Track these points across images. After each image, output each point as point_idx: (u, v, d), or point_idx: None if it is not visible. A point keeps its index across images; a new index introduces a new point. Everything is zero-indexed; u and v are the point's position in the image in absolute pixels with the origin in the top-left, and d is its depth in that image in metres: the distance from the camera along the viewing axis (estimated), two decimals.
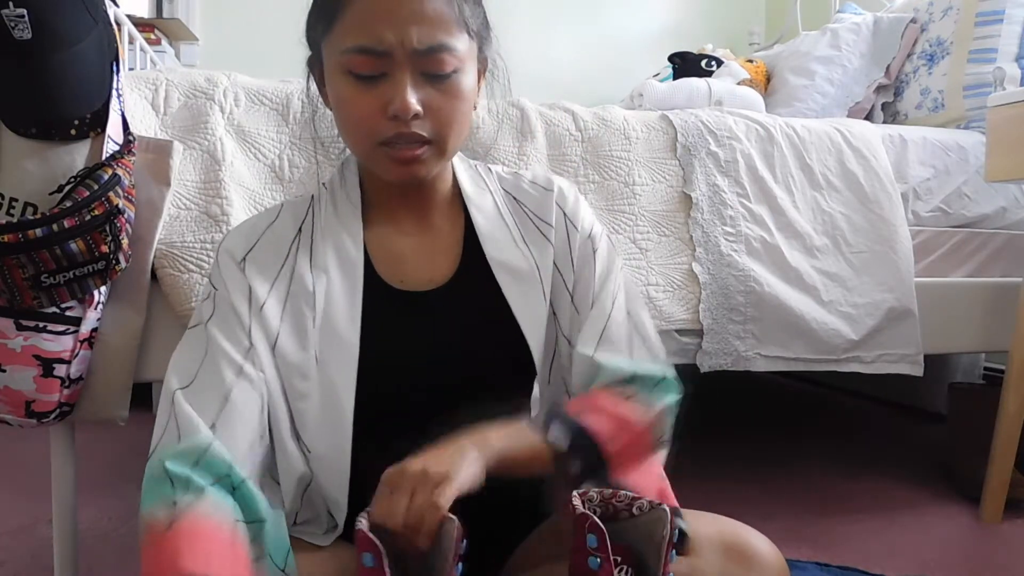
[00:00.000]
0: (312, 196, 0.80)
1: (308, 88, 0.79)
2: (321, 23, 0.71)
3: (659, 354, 0.81)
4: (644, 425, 0.72)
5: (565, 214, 0.81)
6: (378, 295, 0.73)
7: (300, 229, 0.76)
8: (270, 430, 0.70)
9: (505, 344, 0.75)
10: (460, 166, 0.82)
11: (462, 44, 0.69)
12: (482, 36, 0.74)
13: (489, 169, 0.85)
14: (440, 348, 0.73)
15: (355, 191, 0.78)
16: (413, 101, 0.66)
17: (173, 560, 0.56)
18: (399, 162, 0.69)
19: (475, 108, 0.75)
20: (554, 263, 0.79)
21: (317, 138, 0.90)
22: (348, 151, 0.80)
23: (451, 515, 0.56)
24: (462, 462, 0.59)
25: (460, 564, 0.57)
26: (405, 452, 0.68)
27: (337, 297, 0.72)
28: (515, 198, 0.82)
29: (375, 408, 0.70)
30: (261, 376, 0.69)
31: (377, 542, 0.52)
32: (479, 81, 0.76)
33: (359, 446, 0.70)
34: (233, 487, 0.63)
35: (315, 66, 0.76)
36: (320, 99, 0.79)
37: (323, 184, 0.81)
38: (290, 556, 0.65)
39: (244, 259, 0.72)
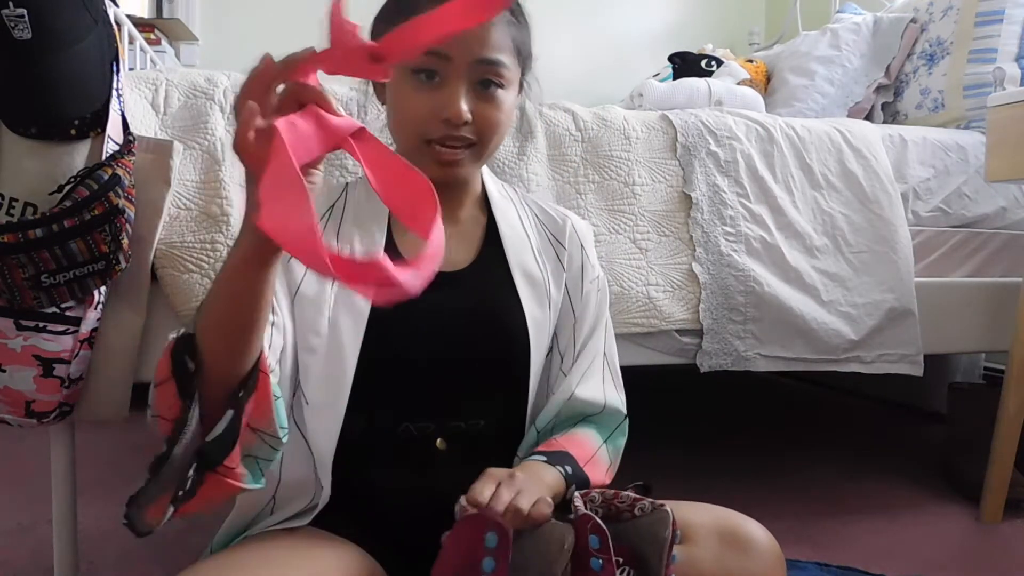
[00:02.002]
0: (346, 184, 0.87)
1: (368, 88, 0.87)
2: (393, 24, 0.76)
3: (621, 385, 0.92)
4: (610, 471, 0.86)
5: (583, 247, 0.91)
6: None
7: (332, 207, 0.82)
8: None
9: (509, 331, 0.82)
10: (488, 176, 0.91)
11: (512, 66, 0.78)
12: (526, 63, 0.83)
13: (513, 188, 0.95)
14: (454, 322, 0.79)
15: None
16: (465, 109, 0.74)
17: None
18: (441, 162, 0.77)
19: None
20: (566, 286, 0.88)
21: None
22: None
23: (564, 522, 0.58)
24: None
25: (569, 565, 0.58)
26: (396, 415, 0.76)
27: None
28: (537, 216, 0.91)
29: (374, 371, 0.75)
30: (281, 325, 0.72)
31: (505, 523, 0.53)
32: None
33: (352, 406, 0.75)
34: None
35: None
36: (376, 97, 0.86)
37: (360, 177, 0.88)
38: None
39: None
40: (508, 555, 0.54)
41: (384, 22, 0.81)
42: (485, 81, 0.76)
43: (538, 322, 0.83)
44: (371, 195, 0.83)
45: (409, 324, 0.77)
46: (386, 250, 0.79)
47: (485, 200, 0.89)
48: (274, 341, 0.70)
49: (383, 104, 0.85)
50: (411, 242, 0.82)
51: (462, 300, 0.81)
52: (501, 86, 0.77)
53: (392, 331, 0.76)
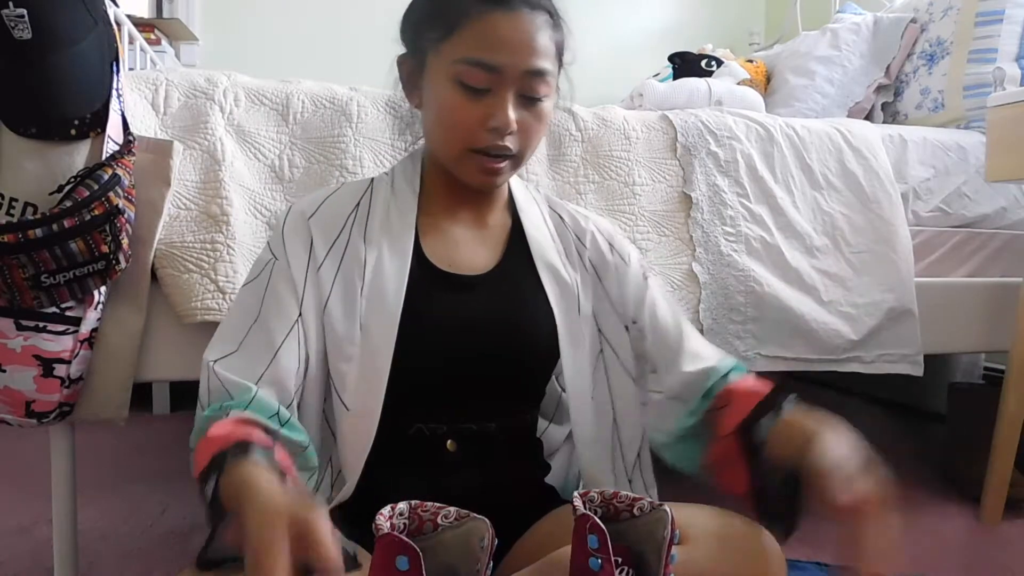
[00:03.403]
0: (372, 179, 0.86)
1: (400, 84, 0.85)
2: (436, 30, 0.76)
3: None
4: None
5: (613, 246, 0.90)
6: (425, 273, 0.79)
7: (358, 204, 0.82)
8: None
9: (532, 333, 0.81)
10: (514, 178, 0.90)
11: (554, 71, 0.78)
12: (562, 66, 0.82)
13: (536, 189, 0.95)
14: (478, 325, 0.79)
15: (415, 180, 0.84)
16: (513, 118, 0.74)
17: (232, 431, 0.63)
18: (484, 172, 0.77)
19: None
20: (603, 285, 0.87)
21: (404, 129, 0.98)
22: (418, 146, 0.88)
23: (480, 516, 0.56)
24: None
25: (491, 563, 0.57)
26: (410, 416, 0.77)
27: (386, 270, 0.78)
28: (562, 218, 0.90)
29: (409, 375, 0.76)
30: (305, 341, 0.76)
31: (413, 544, 0.52)
32: None
33: (388, 410, 0.75)
34: (281, 423, 0.70)
35: (406, 64, 0.83)
36: (405, 96, 0.85)
37: (384, 172, 0.88)
38: (313, 479, 0.75)
39: (311, 217, 0.80)
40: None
41: (416, 23, 0.80)
42: (531, 97, 0.76)
43: (568, 321, 0.82)
44: (398, 197, 0.83)
45: (433, 328, 0.77)
46: (413, 257, 0.79)
47: (510, 203, 0.89)
48: (290, 364, 0.74)
49: (416, 107, 0.83)
50: (439, 249, 0.81)
51: (484, 303, 0.80)
52: (545, 96, 0.77)
53: (418, 335, 0.76)
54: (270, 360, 0.73)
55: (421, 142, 0.88)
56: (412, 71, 0.81)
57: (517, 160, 0.79)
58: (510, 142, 0.76)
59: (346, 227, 0.80)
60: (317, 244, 0.78)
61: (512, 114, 0.74)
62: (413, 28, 0.81)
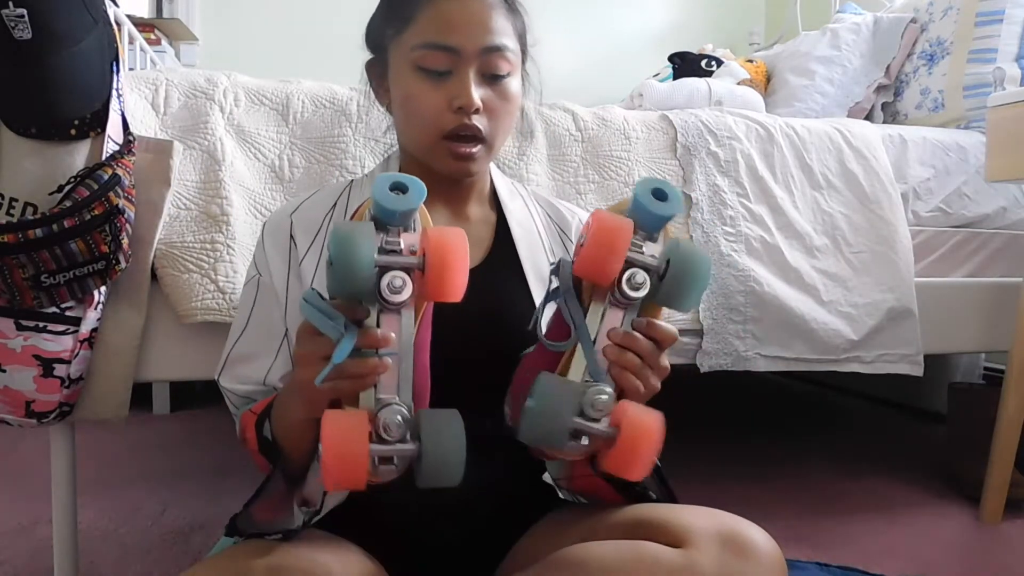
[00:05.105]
0: (351, 180, 0.86)
1: (368, 90, 0.87)
2: (392, 25, 0.78)
3: None
4: None
5: None
6: None
7: (335, 205, 0.83)
8: None
9: (519, 332, 0.80)
10: (496, 173, 0.90)
11: (516, 51, 0.79)
12: (525, 51, 0.83)
13: (523, 184, 0.95)
14: (461, 323, 0.77)
15: None
16: (476, 96, 0.75)
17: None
18: (457, 157, 0.78)
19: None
20: None
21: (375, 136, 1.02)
22: (395, 147, 0.89)
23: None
24: None
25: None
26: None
27: None
28: (548, 214, 0.90)
29: None
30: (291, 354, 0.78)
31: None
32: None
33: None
34: None
35: (374, 68, 0.85)
36: (376, 100, 0.87)
37: (365, 175, 0.88)
38: None
39: (294, 213, 0.81)
40: None
41: (376, 25, 0.82)
42: (493, 75, 0.77)
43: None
44: None
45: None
46: None
47: (494, 199, 0.88)
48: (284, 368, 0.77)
49: (385, 107, 0.85)
50: None
51: (470, 301, 0.79)
52: (508, 75, 0.78)
53: None
54: (271, 364, 0.78)
55: (395, 148, 0.89)
56: (379, 73, 0.84)
57: (489, 144, 0.79)
58: (478, 122, 0.76)
59: (323, 227, 0.80)
60: (299, 241, 0.80)
61: (476, 92, 0.75)
62: (374, 30, 0.83)
